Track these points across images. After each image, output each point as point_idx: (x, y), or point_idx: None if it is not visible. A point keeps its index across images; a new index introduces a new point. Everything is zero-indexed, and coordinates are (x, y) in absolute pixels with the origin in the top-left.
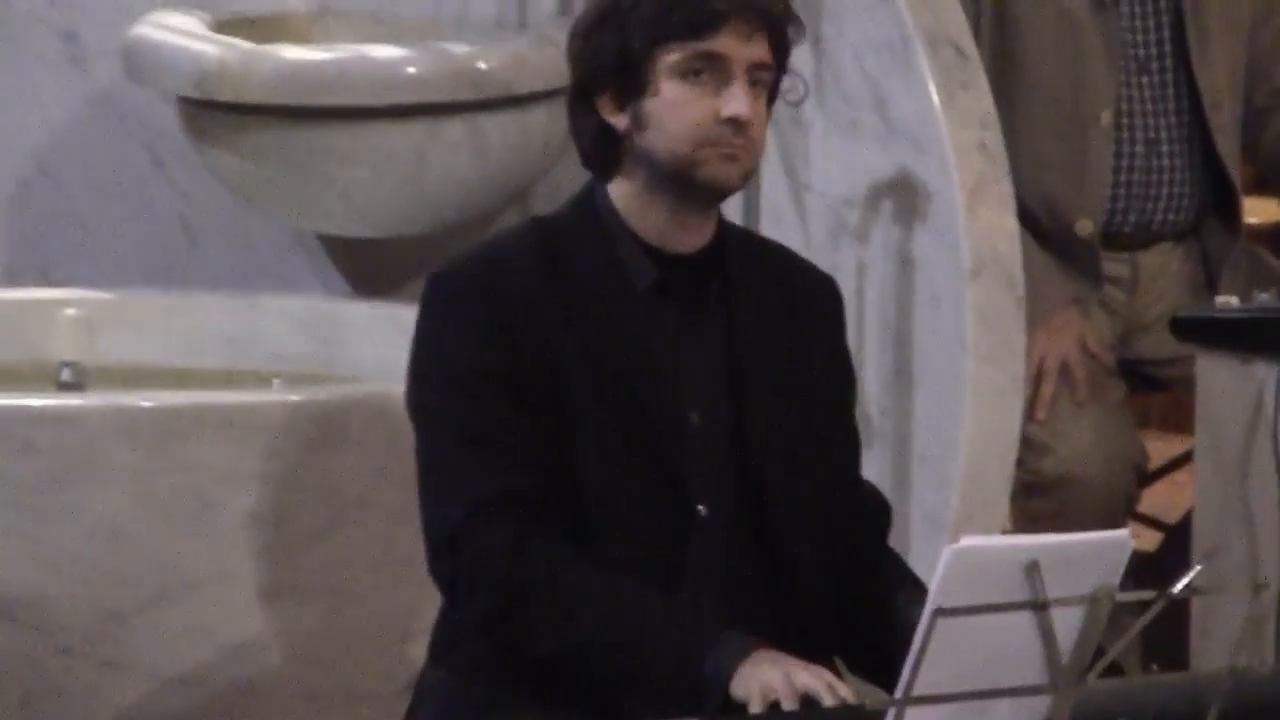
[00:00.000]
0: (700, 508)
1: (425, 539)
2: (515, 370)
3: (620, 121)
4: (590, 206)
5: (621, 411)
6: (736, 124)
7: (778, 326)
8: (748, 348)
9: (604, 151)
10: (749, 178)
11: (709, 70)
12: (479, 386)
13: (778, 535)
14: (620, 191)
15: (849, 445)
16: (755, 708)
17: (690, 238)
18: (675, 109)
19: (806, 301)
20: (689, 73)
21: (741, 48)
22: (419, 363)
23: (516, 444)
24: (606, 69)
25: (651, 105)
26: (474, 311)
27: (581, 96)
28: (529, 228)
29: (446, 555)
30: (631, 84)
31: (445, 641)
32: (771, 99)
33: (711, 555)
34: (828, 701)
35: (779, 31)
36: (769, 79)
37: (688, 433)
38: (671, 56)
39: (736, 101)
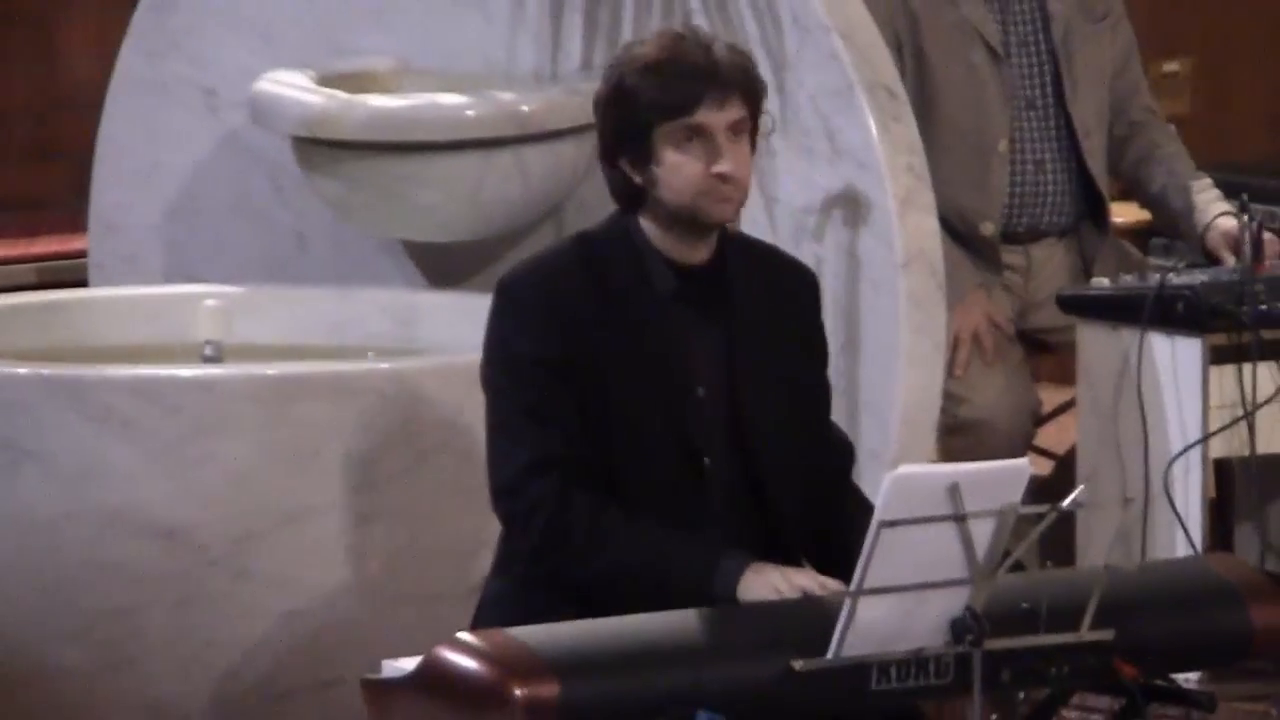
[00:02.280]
0: (706, 460)
1: (490, 483)
2: (563, 358)
3: (638, 178)
4: (623, 228)
5: (644, 388)
6: (724, 177)
7: (767, 312)
8: (743, 336)
9: (630, 198)
10: (742, 207)
11: (698, 137)
12: (534, 371)
13: (764, 480)
14: (645, 221)
15: (822, 401)
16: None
17: (699, 254)
18: (676, 171)
19: (791, 290)
20: (682, 141)
21: (719, 115)
22: (490, 348)
23: (562, 417)
24: (622, 140)
25: (658, 170)
26: (532, 311)
27: (607, 158)
28: (574, 244)
29: (506, 498)
30: (641, 153)
31: (505, 559)
32: (753, 140)
33: (715, 497)
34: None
35: (748, 92)
36: (747, 127)
37: (695, 403)
38: (665, 130)
39: (723, 162)
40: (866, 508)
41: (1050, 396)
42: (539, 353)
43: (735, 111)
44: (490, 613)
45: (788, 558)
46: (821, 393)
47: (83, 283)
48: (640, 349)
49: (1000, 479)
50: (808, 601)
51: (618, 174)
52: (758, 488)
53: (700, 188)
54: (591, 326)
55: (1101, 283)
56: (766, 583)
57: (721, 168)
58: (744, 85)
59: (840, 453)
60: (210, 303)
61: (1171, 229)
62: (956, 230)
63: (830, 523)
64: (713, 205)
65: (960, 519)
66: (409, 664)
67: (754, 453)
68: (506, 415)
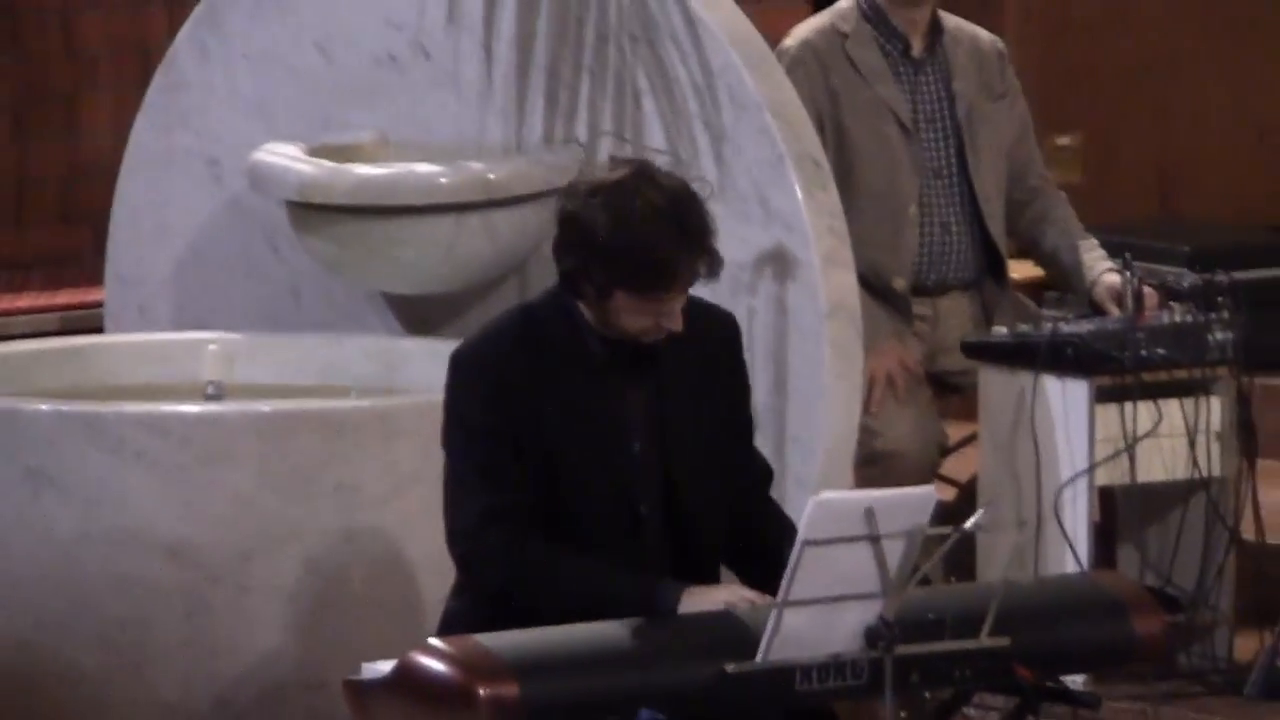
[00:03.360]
0: (641, 508)
1: (447, 529)
2: (508, 422)
3: (590, 293)
4: (561, 303)
5: (584, 446)
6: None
7: (693, 360)
8: (671, 390)
9: (578, 293)
10: None
11: (655, 303)
12: (484, 434)
13: (690, 517)
14: (584, 306)
15: (745, 433)
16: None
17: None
18: (625, 315)
19: (713, 335)
20: (640, 300)
21: (683, 290)
22: (447, 412)
23: (510, 473)
24: (585, 271)
25: (610, 304)
26: (479, 382)
27: (562, 260)
28: (518, 316)
29: (462, 542)
30: (600, 288)
31: (460, 586)
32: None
33: (649, 537)
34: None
35: (709, 265)
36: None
37: (631, 457)
38: (625, 295)
39: (673, 322)
40: (786, 524)
41: (955, 431)
42: (487, 418)
43: (695, 278)
44: (454, 626)
45: (706, 582)
46: (744, 426)
47: (100, 330)
48: (579, 411)
49: (910, 504)
50: (738, 612)
51: (570, 277)
52: (684, 525)
53: (642, 331)
54: (533, 393)
55: (1000, 331)
56: (700, 601)
57: (671, 326)
58: (708, 267)
59: (762, 477)
60: (213, 347)
61: (1063, 284)
62: (872, 285)
63: (752, 540)
64: (647, 339)
65: (875, 539)
66: (386, 667)
67: (682, 498)
68: (462, 472)
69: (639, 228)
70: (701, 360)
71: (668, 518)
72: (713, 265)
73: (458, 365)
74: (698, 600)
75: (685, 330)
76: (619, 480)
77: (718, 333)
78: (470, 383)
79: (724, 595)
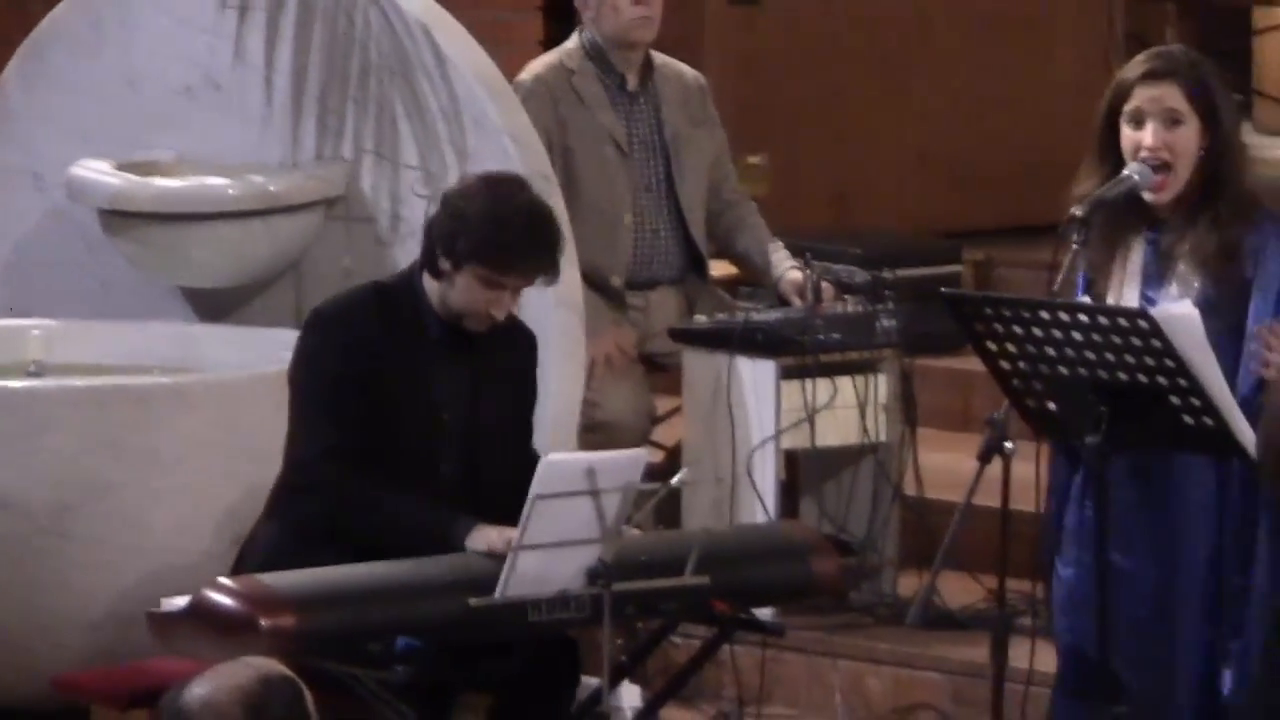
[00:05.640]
0: (442, 466)
1: (286, 456)
2: (352, 374)
3: (443, 267)
4: (411, 284)
5: (407, 408)
6: (492, 316)
7: (503, 360)
8: (483, 377)
9: (431, 266)
10: None
11: (493, 286)
12: (334, 380)
13: (483, 482)
14: (429, 283)
15: (528, 433)
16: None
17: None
18: (462, 294)
19: (519, 346)
20: (479, 279)
21: (520, 283)
22: (299, 356)
23: (347, 417)
24: (443, 244)
25: (453, 279)
26: (333, 334)
27: (429, 237)
28: (371, 289)
29: (299, 472)
30: (451, 261)
31: (275, 508)
32: None
33: (448, 490)
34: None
35: (549, 276)
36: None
37: (441, 424)
38: (474, 270)
39: (501, 308)
40: None
41: (663, 403)
42: (339, 367)
43: (529, 281)
44: (257, 548)
45: (500, 522)
46: (528, 426)
47: None
48: (408, 378)
49: (625, 464)
50: (488, 555)
51: (430, 250)
52: (479, 483)
53: (471, 312)
54: (376, 355)
55: (702, 319)
56: (484, 536)
57: (496, 314)
58: (546, 277)
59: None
60: (36, 332)
61: (754, 280)
62: (593, 281)
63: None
64: (471, 323)
65: (595, 493)
66: (182, 601)
67: (479, 464)
68: (303, 410)
69: (507, 214)
70: (509, 361)
71: (465, 477)
72: (551, 277)
73: (320, 318)
74: (479, 538)
75: (501, 335)
76: (428, 441)
77: (524, 343)
78: (329, 333)
79: (494, 535)
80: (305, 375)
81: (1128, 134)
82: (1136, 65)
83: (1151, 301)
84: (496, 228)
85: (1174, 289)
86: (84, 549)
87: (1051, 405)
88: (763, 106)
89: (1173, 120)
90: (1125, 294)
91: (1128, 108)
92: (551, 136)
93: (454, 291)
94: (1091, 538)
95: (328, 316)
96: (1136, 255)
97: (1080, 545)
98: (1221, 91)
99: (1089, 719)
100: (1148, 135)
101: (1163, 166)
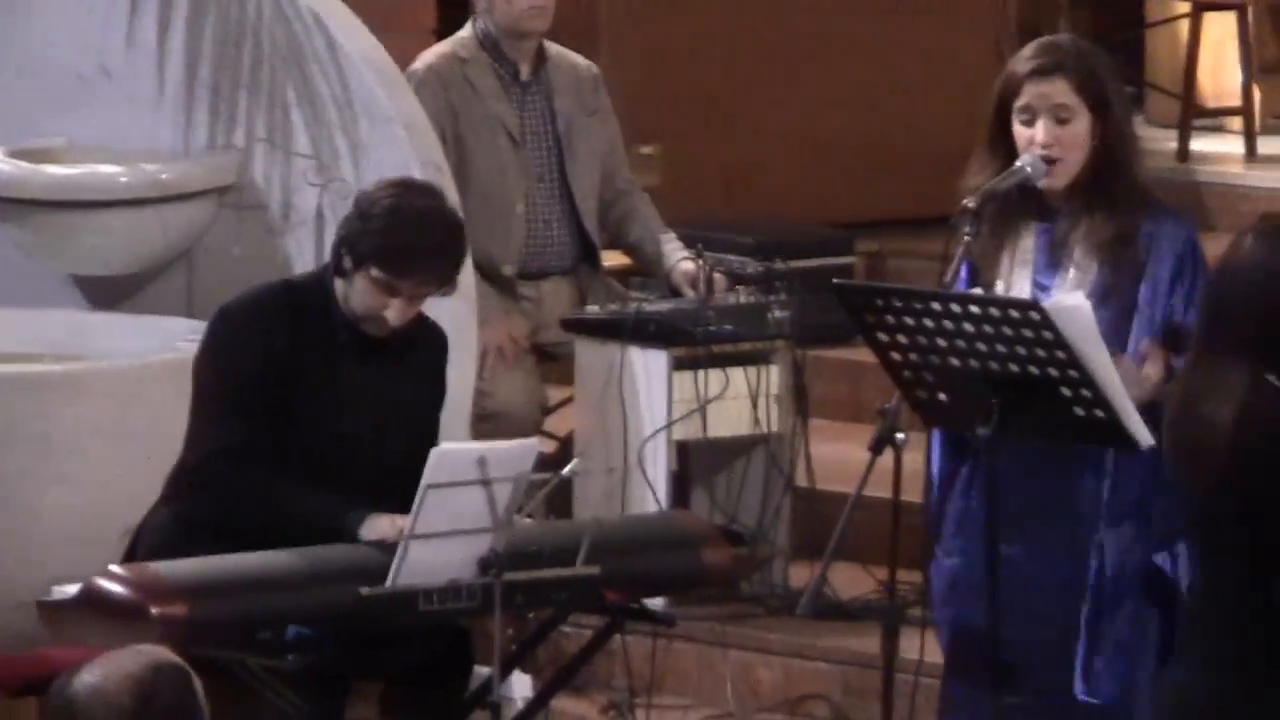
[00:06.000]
0: (349, 467)
1: (186, 450)
2: (258, 372)
3: (346, 266)
4: (323, 284)
5: (313, 407)
6: (387, 320)
7: (410, 363)
8: (389, 378)
9: (339, 268)
10: None
11: (390, 290)
12: (233, 377)
13: (383, 478)
14: (340, 284)
15: (434, 432)
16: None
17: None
18: (360, 296)
19: (427, 345)
20: (377, 283)
21: (415, 290)
22: (205, 351)
23: (249, 412)
24: (348, 245)
25: (353, 279)
26: (241, 332)
27: (337, 238)
28: (282, 287)
29: (198, 466)
30: (354, 262)
31: (171, 496)
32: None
33: (358, 490)
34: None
35: (447, 285)
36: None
37: (346, 423)
38: (372, 272)
39: (396, 314)
40: None
41: (555, 393)
42: (240, 364)
43: (425, 289)
44: (151, 534)
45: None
46: (435, 426)
47: None
48: (315, 378)
49: (517, 454)
50: (381, 544)
51: (338, 248)
52: (385, 487)
53: (368, 316)
54: (283, 355)
55: (594, 309)
56: (376, 526)
57: (391, 319)
58: (443, 287)
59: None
60: None
61: (646, 270)
62: (486, 271)
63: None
64: (370, 327)
65: (486, 483)
66: (73, 589)
67: (384, 466)
68: (206, 406)
69: (409, 219)
70: (418, 360)
71: (370, 478)
72: (448, 288)
73: (227, 315)
74: (372, 528)
75: (410, 334)
76: (333, 442)
77: (434, 342)
78: (236, 331)
79: (386, 524)
80: (210, 372)
81: (1020, 130)
82: (1025, 60)
83: (1045, 289)
84: (396, 231)
85: (1071, 275)
86: None
87: (943, 396)
88: (656, 96)
89: (1062, 116)
90: (1015, 281)
91: (1018, 104)
92: (444, 126)
93: (353, 293)
94: (979, 527)
95: (235, 314)
96: (1028, 243)
97: (966, 535)
98: (1111, 81)
99: (980, 708)
100: (1039, 132)
101: (1054, 161)
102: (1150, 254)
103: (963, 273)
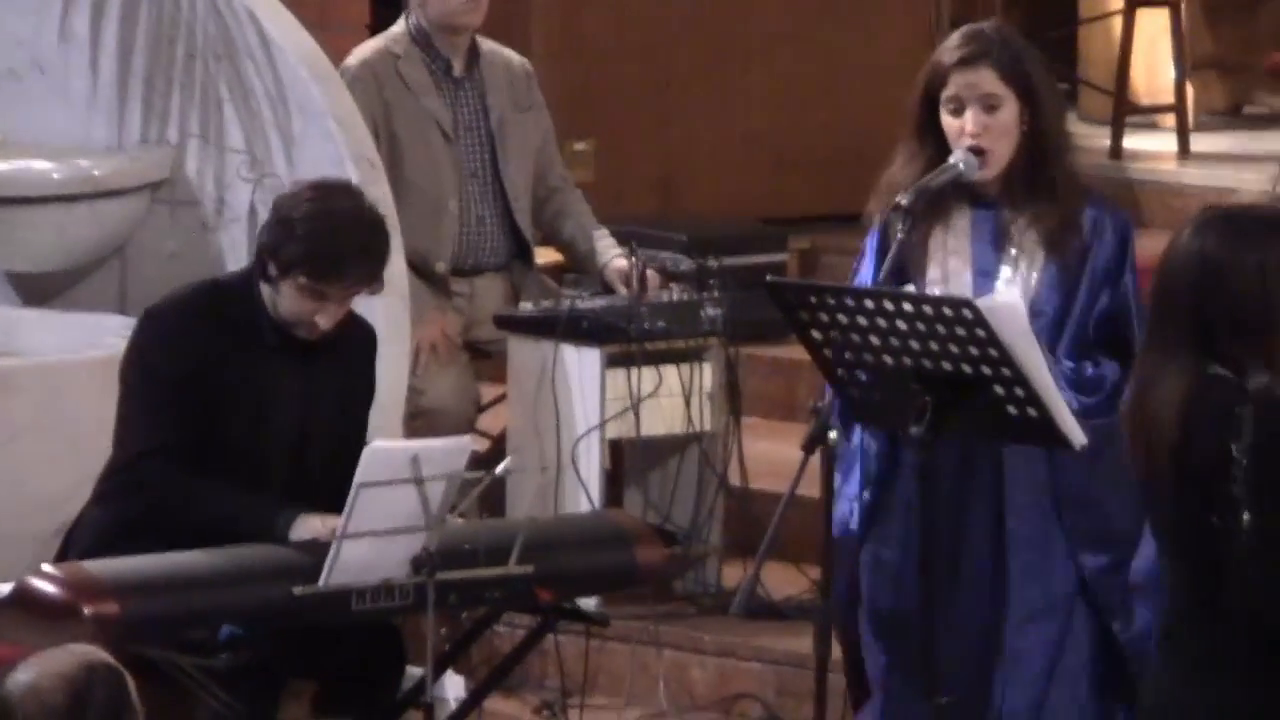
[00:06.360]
0: (276, 468)
1: (115, 452)
2: (183, 375)
3: (271, 272)
4: (249, 286)
5: (239, 410)
6: (317, 325)
7: (340, 360)
8: (317, 380)
9: (264, 271)
10: None
11: (317, 295)
12: (163, 380)
13: (317, 481)
14: (265, 287)
15: (363, 430)
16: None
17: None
18: (287, 302)
19: (357, 341)
20: (303, 289)
21: (344, 294)
22: (131, 354)
23: (175, 416)
24: (272, 251)
25: (279, 286)
26: (166, 335)
27: (260, 241)
28: (208, 288)
29: (126, 469)
30: (279, 268)
31: (102, 496)
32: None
33: (285, 491)
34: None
35: (373, 285)
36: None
37: (272, 426)
38: (299, 280)
39: (328, 319)
40: None
41: (488, 391)
42: (169, 367)
43: (353, 290)
44: (83, 533)
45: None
46: (363, 426)
47: None
48: (241, 380)
49: (450, 452)
50: (314, 543)
51: (261, 254)
52: (311, 489)
53: (297, 321)
54: (209, 356)
55: (527, 306)
56: (308, 525)
57: (322, 324)
58: (371, 286)
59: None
60: None
61: (579, 267)
62: (418, 267)
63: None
64: (300, 331)
65: (419, 481)
66: (5, 588)
67: (312, 467)
68: (134, 407)
69: (331, 224)
70: (346, 359)
71: (297, 480)
72: (375, 288)
73: (152, 318)
74: (303, 528)
75: (338, 331)
76: (259, 444)
77: (362, 339)
78: (161, 334)
79: (318, 523)
80: (136, 373)
81: (948, 120)
82: (950, 49)
83: (988, 276)
84: (319, 238)
85: (1020, 262)
86: None
87: (876, 395)
88: (589, 92)
89: (990, 104)
90: (953, 269)
91: (945, 94)
92: (377, 122)
93: (281, 299)
94: (908, 526)
95: (162, 315)
96: (962, 233)
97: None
98: (1036, 66)
99: (911, 710)
100: (968, 121)
101: (984, 151)
102: (1094, 238)
103: (885, 265)
